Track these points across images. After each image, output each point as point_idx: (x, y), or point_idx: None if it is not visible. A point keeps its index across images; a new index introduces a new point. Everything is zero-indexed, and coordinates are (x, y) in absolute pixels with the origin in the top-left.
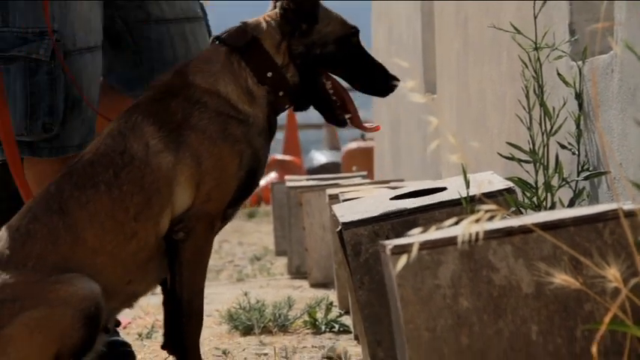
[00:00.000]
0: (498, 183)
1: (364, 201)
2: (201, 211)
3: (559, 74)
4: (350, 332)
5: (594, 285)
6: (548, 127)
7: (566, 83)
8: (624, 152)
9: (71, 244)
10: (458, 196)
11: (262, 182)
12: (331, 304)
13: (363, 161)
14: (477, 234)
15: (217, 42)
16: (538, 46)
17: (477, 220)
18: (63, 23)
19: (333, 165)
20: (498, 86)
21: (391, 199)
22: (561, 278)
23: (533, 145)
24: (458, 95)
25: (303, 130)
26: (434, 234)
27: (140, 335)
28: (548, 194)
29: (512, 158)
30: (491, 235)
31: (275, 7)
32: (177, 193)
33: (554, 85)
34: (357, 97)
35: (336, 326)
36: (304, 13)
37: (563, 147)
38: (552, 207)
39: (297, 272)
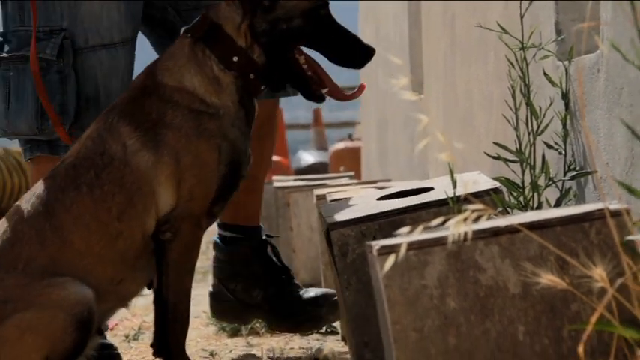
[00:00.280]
0: (485, 183)
1: (352, 201)
2: (185, 211)
3: (545, 74)
4: (337, 333)
5: (581, 285)
6: (535, 127)
7: (552, 83)
8: (610, 152)
9: (59, 246)
10: (445, 197)
11: None
12: None
13: (350, 161)
14: (465, 234)
15: (186, 34)
16: (524, 45)
17: (464, 220)
18: (72, 21)
19: (320, 165)
20: (485, 86)
21: (379, 199)
22: (548, 278)
23: (520, 145)
24: (445, 95)
25: (290, 131)
26: (420, 234)
27: (127, 337)
28: (535, 194)
29: (498, 158)
30: (478, 235)
31: None
32: (159, 192)
33: (541, 85)
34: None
35: (324, 327)
36: None
37: (549, 147)
38: (539, 207)
39: None
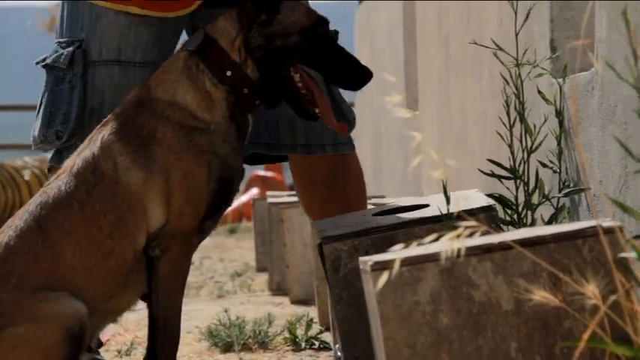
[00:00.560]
0: (479, 200)
1: (346, 216)
2: (175, 228)
3: (540, 91)
4: (330, 349)
5: (573, 302)
6: (529, 144)
7: (546, 100)
8: (604, 169)
9: (51, 262)
10: (437, 213)
11: (244, 198)
12: (311, 320)
13: None
14: (458, 250)
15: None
16: (519, 63)
17: (457, 237)
18: (91, 34)
19: None
20: (480, 103)
21: (374, 214)
22: (541, 295)
23: (514, 162)
24: (440, 112)
25: None
26: (413, 250)
27: (119, 352)
28: (529, 211)
29: (492, 175)
30: (471, 251)
31: None
32: (150, 209)
33: (535, 102)
34: None
35: (317, 343)
36: (264, 2)
37: (544, 166)
38: (532, 224)
39: (278, 289)
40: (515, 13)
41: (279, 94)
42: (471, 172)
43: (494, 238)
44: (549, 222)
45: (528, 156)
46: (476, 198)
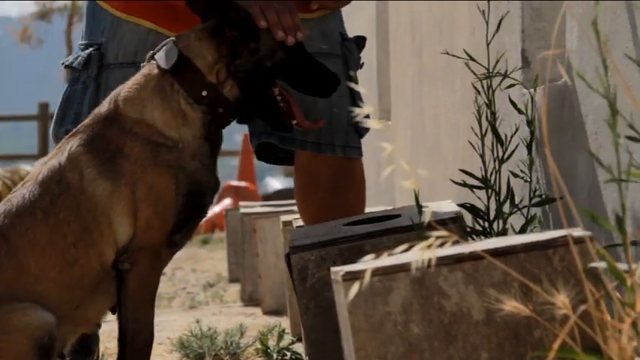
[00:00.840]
0: (449, 210)
1: (319, 226)
2: (143, 241)
3: (511, 101)
4: (302, 359)
5: (544, 312)
6: (501, 154)
7: (518, 110)
8: (575, 179)
9: (15, 271)
10: (406, 223)
11: (217, 208)
12: (283, 331)
13: None
14: (429, 260)
15: (152, 60)
16: (491, 73)
17: (428, 247)
18: (110, 37)
19: (287, 191)
20: (452, 113)
21: (345, 225)
22: (511, 305)
23: (486, 172)
24: (413, 121)
25: None
26: (385, 260)
27: None
28: (500, 221)
29: (464, 185)
30: (442, 261)
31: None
32: (116, 222)
33: (507, 112)
34: None
35: (288, 354)
36: (250, 31)
37: (515, 175)
38: (504, 233)
39: (250, 299)
40: (487, 24)
41: (257, 110)
42: (443, 182)
43: (466, 248)
44: (520, 232)
45: (500, 166)
46: (446, 208)
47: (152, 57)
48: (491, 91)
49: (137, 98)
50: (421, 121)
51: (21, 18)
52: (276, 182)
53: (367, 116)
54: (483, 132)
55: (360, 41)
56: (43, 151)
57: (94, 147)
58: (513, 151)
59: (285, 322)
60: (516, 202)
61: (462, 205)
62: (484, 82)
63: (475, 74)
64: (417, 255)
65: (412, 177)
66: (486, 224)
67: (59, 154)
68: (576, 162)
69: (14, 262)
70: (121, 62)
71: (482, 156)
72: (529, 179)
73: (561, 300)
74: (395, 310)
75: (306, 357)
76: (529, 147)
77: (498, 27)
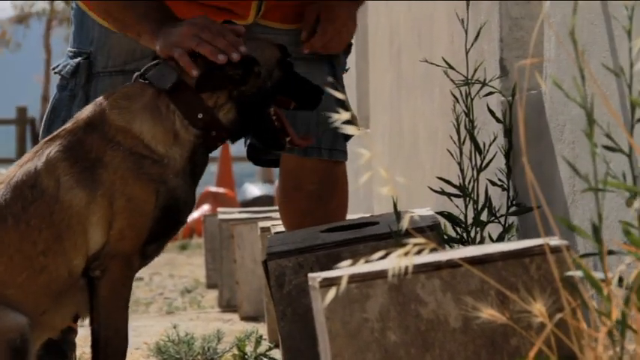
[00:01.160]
0: (427, 218)
1: (296, 233)
2: (115, 250)
3: (490, 110)
4: None
5: (520, 320)
6: (479, 163)
7: (496, 119)
8: (552, 188)
9: None
10: (383, 231)
11: (195, 214)
12: (261, 337)
13: None
14: (406, 268)
15: (142, 79)
16: (469, 81)
17: (406, 254)
18: (99, 47)
19: (266, 198)
20: (431, 120)
21: (322, 231)
22: (488, 313)
23: (464, 180)
24: (391, 129)
25: (237, 163)
26: (362, 267)
27: None
28: (478, 229)
29: (442, 192)
30: (419, 269)
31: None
32: (90, 231)
33: (485, 121)
34: None
35: None
36: (249, 62)
37: (493, 184)
38: (481, 242)
39: (228, 305)
40: (466, 32)
41: (254, 130)
42: (422, 189)
43: (443, 256)
44: (498, 240)
45: (478, 174)
46: (423, 215)
47: (141, 76)
48: (469, 99)
49: (126, 108)
50: (399, 128)
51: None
52: (254, 189)
53: (348, 122)
54: (462, 140)
55: (347, 46)
56: (21, 155)
57: (73, 154)
58: (491, 160)
59: (262, 329)
60: (494, 211)
61: (439, 213)
62: (462, 90)
63: (454, 82)
64: (395, 262)
65: (389, 183)
66: (464, 232)
67: (36, 158)
68: (554, 171)
69: None
70: (110, 70)
71: (460, 164)
72: (507, 188)
73: (538, 308)
74: (372, 317)
75: None
76: (507, 155)
77: (477, 36)
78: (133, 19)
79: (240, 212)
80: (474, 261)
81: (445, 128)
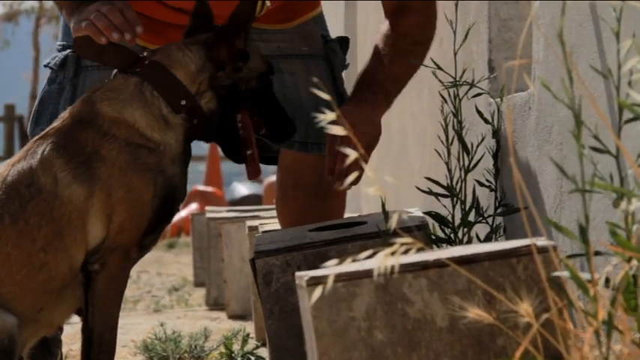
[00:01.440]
0: (415, 218)
1: (284, 232)
2: (115, 243)
3: (478, 111)
4: None
5: (507, 320)
6: (467, 163)
7: (484, 120)
8: (540, 189)
9: None
10: (371, 230)
11: (183, 213)
12: (248, 335)
13: None
14: (393, 267)
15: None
16: (457, 82)
17: (393, 254)
18: None
19: (254, 197)
20: (419, 121)
21: (310, 230)
22: (475, 313)
23: (451, 180)
24: None
25: (225, 162)
26: (349, 266)
27: None
28: (465, 229)
29: (430, 193)
30: (406, 268)
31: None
32: (90, 225)
33: (474, 122)
34: None
35: (253, 358)
36: (244, 52)
37: (481, 184)
38: (468, 242)
39: (215, 304)
40: (455, 33)
41: (220, 131)
42: (410, 189)
43: (430, 255)
44: (485, 240)
45: (465, 175)
46: (411, 215)
47: (122, 70)
48: (457, 100)
49: (116, 99)
50: (388, 128)
51: None
52: (243, 188)
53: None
54: (450, 140)
55: (344, 42)
56: (9, 152)
57: (68, 150)
58: (479, 160)
59: (249, 327)
60: (481, 211)
61: (427, 213)
62: (451, 91)
63: (442, 83)
64: (381, 261)
65: (377, 184)
66: (451, 232)
67: (29, 156)
68: (542, 172)
69: None
70: (98, 65)
71: (448, 164)
72: (494, 188)
73: (524, 308)
74: (359, 316)
75: None
76: (495, 156)
77: (466, 37)
78: (65, 2)
79: (228, 211)
80: (461, 261)
81: (434, 129)
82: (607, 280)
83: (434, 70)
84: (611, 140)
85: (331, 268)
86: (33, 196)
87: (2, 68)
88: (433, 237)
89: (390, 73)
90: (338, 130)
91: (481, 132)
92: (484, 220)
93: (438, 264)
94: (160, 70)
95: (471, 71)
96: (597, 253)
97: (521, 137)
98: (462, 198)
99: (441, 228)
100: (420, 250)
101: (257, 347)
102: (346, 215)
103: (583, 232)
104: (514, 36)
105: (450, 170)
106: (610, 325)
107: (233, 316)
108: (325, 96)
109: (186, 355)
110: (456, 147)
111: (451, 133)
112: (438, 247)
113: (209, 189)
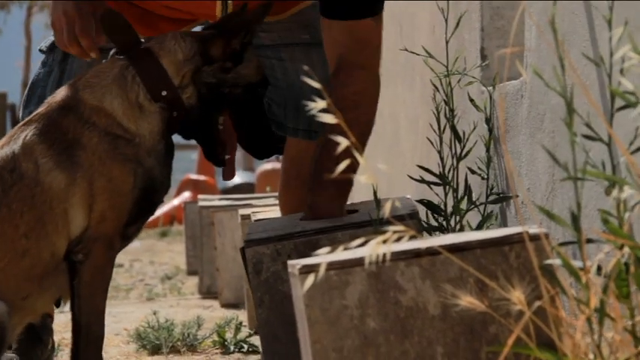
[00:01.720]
0: (407, 205)
1: (276, 220)
2: (97, 232)
3: (470, 99)
4: (259, 352)
5: (499, 307)
6: (459, 151)
7: (477, 108)
8: (532, 177)
9: None
10: (361, 219)
11: (176, 201)
12: (241, 324)
13: (277, 182)
14: (385, 255)
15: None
16: (449, 70)
17: (385, 242)
18: None
19: (247, 185)
20: (411, 109)
21: (301, 219)
22: (467, 300)
23: (443, 168)
24: None
25: None
26: (342, 254)
27: None
28: (457, 217)
29: (422, 181)
30: (399, 256)
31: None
32: (71, 213)
33: (466, 110)
34: None
35: (245, 346)
36: (238, 54)
37: (473, 172)
38: (461, 230)
39: (208, 292)
40: (446, 21)
41: (199, 130)
42: (402, 177)
43: (423, 243)
44: (477, 228)
45: (457, 163)
46: (403, 204)
47: (116, 53)
48: (450, 88)
49: (97, 85)
50: (380, 116)
51: None
52: (235, 176)
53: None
54: (442, 129)
55: None
56: None
57: (50, 136)
58: (471, 148)
59: (242, 315)
60: (473, 199)
61: (419, 201)
62: (443, 79)
63: (434, 71)
64: (374, 249)
65: (368, 172)
66: (444, 220)
67: (12, 142)
68: (533, 160)
69: None
70: None
71: (440, 152)
72: (486, 176)
73: (517, 296)
74: (351, 304)
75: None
76: (487, 144)
77: (457, 25)
78: None
79: (221, 199)
80: (453, 249)
81: (426, 117)
82: (599, 268)
83: (426, 58)
84: (603, 128)
85: (324, 257)
86: (15, 181)
87: None
88: (425, 225)
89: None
90: (329, 118)
91: (473, 120)
92: (476, 208)
93: (431, 252)
94: (147, 56)
95: (463, 59)
96: (589, 241)
97: (513, 125)
98: (454, 186)
99: (433, 216)
100: (412, 238)
101: (250, 335)
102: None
103: (575, 219)
104: (506, 24)
105: (442, 158)
106: (602, 313)
107: (226, 305)
108: (316, 84)
109: (179, 343)
110: (448, 135)
111: (443, 121)
112: (430, 235)
113: (201, 177)
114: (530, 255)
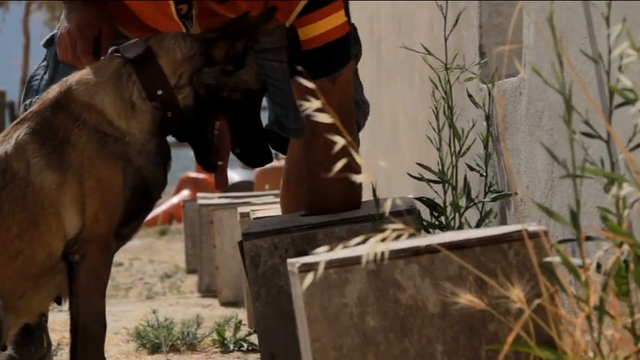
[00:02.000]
0: (405, 203)
1: (276, 217)
2: (92, 234)
3: (469, 96)
4: (258, 351)
5: (499, 305)
6: (457, 148)
7: (476, 105)
8: (531, 174)
9: None
10: (360, 214)
11: (175, 200)
12: (240, 322)
13: (275, 180)
14: (383, 253)
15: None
16: (448, 67)
17: (384, 239)
18: None
19: (246, 183)
20: (410, 107)
21: (302, 215)
22: (466, 298)
23: (442, 165)
24: (371, 115)
25: None
26: (341, 252)
27: None
28: (456, 215)
29: (421, 179)
30: (398, 254)
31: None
32: (64, 214)
33: (465, 107)
34: None
35: (245, 345)
36: (240, 58)
37: (471, 169)
38: (460, 228)
39: (208, 290)
40: (445, 19)
41: (194, 134)
42: (401, 175)
43: (422, 241)
44: (476, 226)
45: (457, 160)
46: (402, 201)
47: (115, 50)
48: (448, 85)
49: (91, 82)
50: (379, 114)
51: None
52: (234, 174)
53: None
54: (441, 126)
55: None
56: None
57: (41, 135)
58: (470, 146)
59: (242, 314)
60: (472, 197)
61: (418, 199)
62: (442, 76)
63: (433, 68)
64: (373, 247)
65: (367, 171)
66: (442, 218)
67: (5, 142)
68: (532, 158)
69: None
70: None
71: (439, 150)
72: (485, 174)
73: (516, 294)
74: (351, 302)
75: None
76: (486, 142)
77: (456, 22)
78: None
79: (220, 198)
80: (452, 246)
81: (425, 114)
82: (598, 265)
83: (424, 55)
84: (602, 125)
85: (323, 255)
86: (7, 182)
87: None
88: (424, 223)
89: None
90: (323, 118)
91: (472, 117)
92: (475, 206)
93: (430, 250)
94: (145, 54)
95: (462, 56)
96: (588, 239)
97: (512, 122)
98: (453, 183)
99: (432, 214)
100: (411, 235)
101: (249, 334)
102: None
103: (574, 217)
104: (505, 21)
105: (441, 156)
106: (602, 310)
107: (225, 303)
108: (311, 85)
109: (178, 342)
110: (447, 133)
111: (442, 118)
112: (429, 232)
113: (200, 176)
114: (530, 253)
